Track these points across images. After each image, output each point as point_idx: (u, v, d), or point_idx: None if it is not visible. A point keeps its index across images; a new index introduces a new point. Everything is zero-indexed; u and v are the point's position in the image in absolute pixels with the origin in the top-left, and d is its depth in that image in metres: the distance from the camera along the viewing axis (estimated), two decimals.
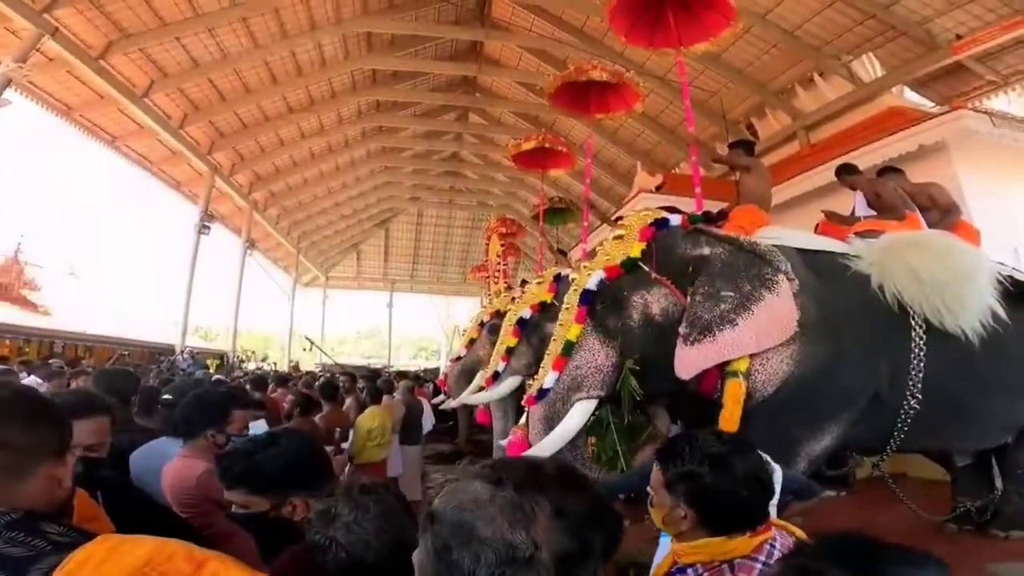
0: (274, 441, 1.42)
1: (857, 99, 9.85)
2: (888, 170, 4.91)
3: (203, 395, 2.09)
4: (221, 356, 16.27)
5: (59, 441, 0.92)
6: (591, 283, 3.01)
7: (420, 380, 10.15)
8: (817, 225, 4.73)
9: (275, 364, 19.73)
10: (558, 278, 5.04)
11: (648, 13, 5.40)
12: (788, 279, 2.78)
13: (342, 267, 27.15)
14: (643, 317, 2.93)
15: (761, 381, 2.76)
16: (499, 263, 9.57)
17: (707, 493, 1.27)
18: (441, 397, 6.95)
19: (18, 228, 32.22)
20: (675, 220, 3.15)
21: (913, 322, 2.98)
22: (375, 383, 5.75)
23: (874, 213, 4.41)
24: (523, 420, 3.21)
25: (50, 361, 8.18)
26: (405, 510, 1.12)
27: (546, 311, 4.87)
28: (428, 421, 6.81)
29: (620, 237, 3.15)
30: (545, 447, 2.78)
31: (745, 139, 4.90)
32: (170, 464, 1.97)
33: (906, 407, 2.99)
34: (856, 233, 3.63)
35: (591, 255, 3.52)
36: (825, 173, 8.06)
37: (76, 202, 56.00)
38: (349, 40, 13.37)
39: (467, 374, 6.46)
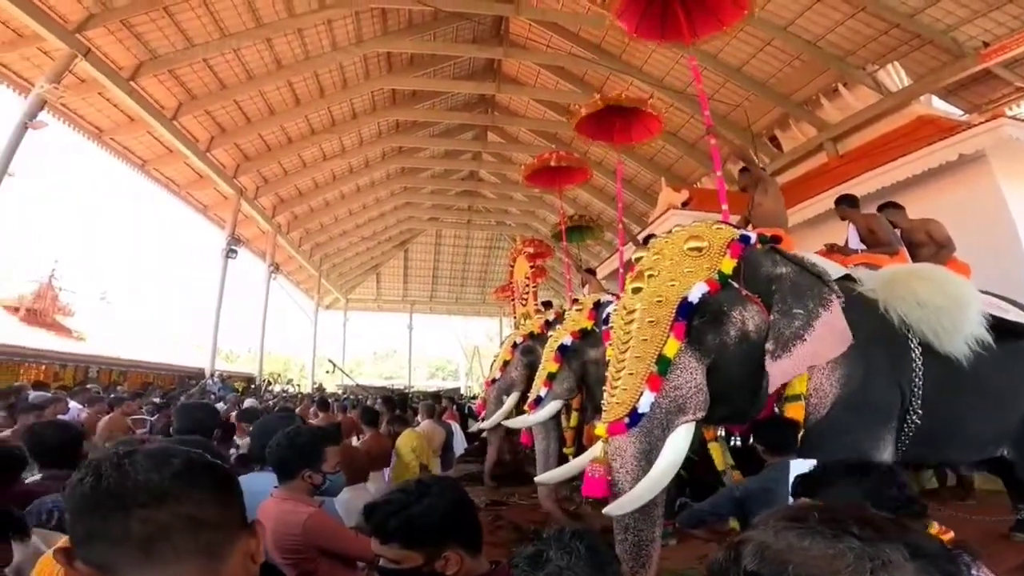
0: (426, 491, 1.36)
1: (884, 109, 9.75)
2: (888, 205, 5.07)
3: (296, 435, 2.04)
4: (249, 379, 16.34)
5: (244, 510, 0.83)
6: (694, 296, 2.78)
7: (453, 402, 10.05)
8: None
9: (299, 386, 19.77)
10: (598, 304, 5.07)
11: (654, 7, 5.37)
12: (838, 299, 2.97)
13: (362, 289, 27.27)
14: (740, 334, 2.84)
15: (814, 404, 2.97)
16: (527, 284, 9.52)
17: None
18: (480, 424, 6.89)
19: (51, 253, 33.00)
20: (754, 237, 3.13)
21: (912, 344, 3.17)
22: (403, 408, 5.74)
23: (864, 247, 4.66)
24: (597, 451, 2.81)
25: (88, 387, 8.28)
26: (615, 557, 1.08)
27: (586, 337, 4.94)
28: (460, 445, 6.74)
29: (697, 249, 2.99)
30: (654, 480, 2.54)
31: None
32: (267, 505, 1.92)
33: (908, 421, 3.16)
34: (855, 265, 3.87)
35: (633, 265, 3.33)
36: (858, 187, 8.00)
37: (105, 227, 57.43)
38: (370, 60, 13.60)
39: (503, 396, 6.45)
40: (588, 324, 4.90)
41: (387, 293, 27.67)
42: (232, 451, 3.61)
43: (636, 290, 2.97)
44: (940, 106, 9.81)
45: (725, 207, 4.61)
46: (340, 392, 16.91)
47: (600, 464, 2.65)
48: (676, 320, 2.73)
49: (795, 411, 2.93)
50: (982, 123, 7.20)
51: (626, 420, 2.62)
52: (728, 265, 2.90)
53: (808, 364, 2.87)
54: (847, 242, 4.88)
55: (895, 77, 9.83)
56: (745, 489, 2.51)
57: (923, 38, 9.07)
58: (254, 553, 0.79)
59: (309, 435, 2.08)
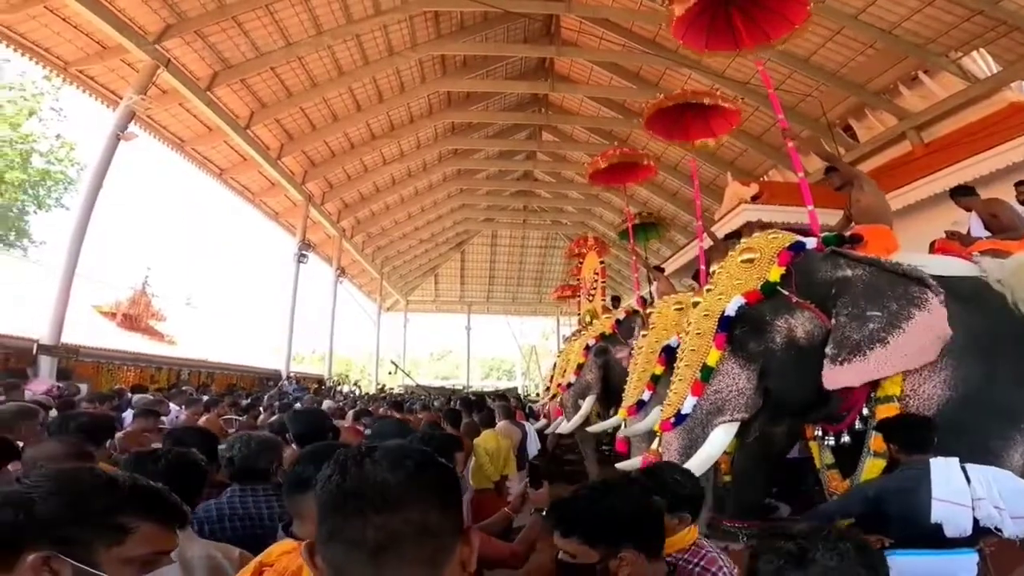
0: (610, 491, 1.42)
1: (972, 96, 9.24)
2: (1021, 183, 4.89)
3: (429, 439, 2.12)
4: (319, 381, 16.94)
5: (463, 515, 0.82)
6: (730, 309, 3.01)
7: (520, 402, 10.11)
8: (933, 243, 4.67)
9: (359, 387, 20.31)
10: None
11: (718, 21, 5.24)
12: (936, 295, 2.85)
13: (421, 291, 27.76)
14: (787, 340, 2.97)
15: (915, 406, 2.91)
16: (595, 280, 9.50)
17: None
18: (558, 428, 6.86)
19: (143, 261, 35.21)
20: (811, 243, 3.18)
21: None
22: (480, 409, 5.81)
23: (989, 234, 4.52)
24: (655, 444, 3.19)
25: (183, 388, 8.78)
26: (883, 558, 1.06)
27: None
28: (533, 446, 6.76)
29: (750, 261, 3.16)
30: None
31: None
32: None
33: None
34: (981, 252, 3.78)
35: (709, 277, 3.47)
36: (952, 177, 7.61)
37: (189, 234, 61.03)
38: (425, 64, 13.80)
39: (579, 399, 6.43)
40: None
41: (445, 294, 28.07)
42: None
43: (695, 304, 3.35)
44: None
45: (811, 208, 4.44)
46: (403, 393, 17.30)
47: (653, 455, 3.07)
48: (717, 332, 3.00)
49: (887, 413, 2.90)
50: None
51: (672, 420, 2.99)
52: (775, 274, 3.03)
53: (894, 368, 2.85)
54: (969, 231, 4.72)
55: (981, 64, 9.31)
56: (880, 489, 2.48)
57: (1009, 24, 8.49)
58: (467, 561, 0.78)
59: (441, 440, 2.16)
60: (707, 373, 2.96)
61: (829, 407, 3.09)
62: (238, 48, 10.67)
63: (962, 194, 4.97)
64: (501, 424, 5.47)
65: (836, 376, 2.85)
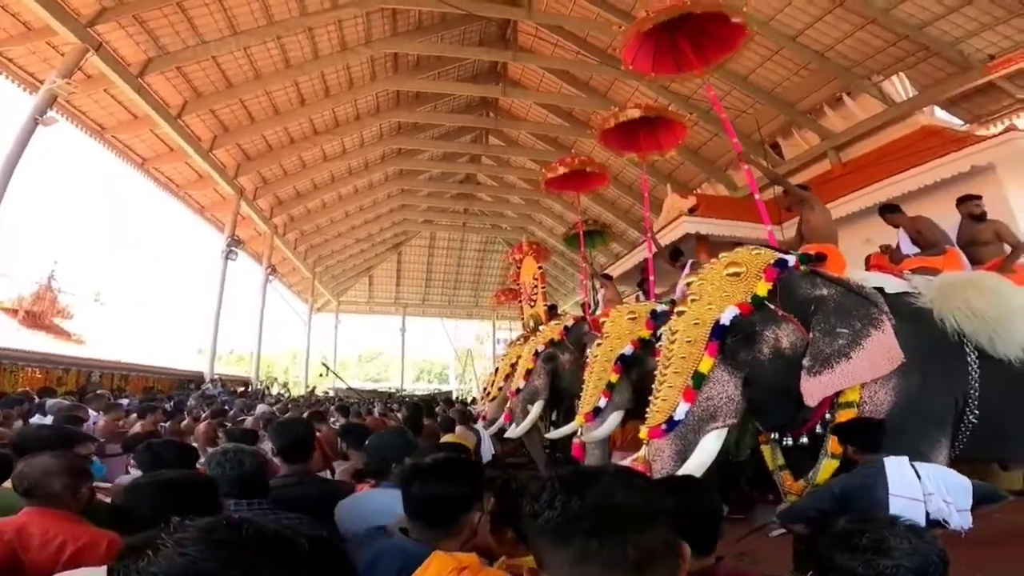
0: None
1: (888, 119, 9.96)
2: (968, 199, 5.14)
3: (443, 451, 2.03)
4: (244, 383, 16.04)
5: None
6: (725, 318, 3.11)
7: (466, 406, 9.97)
8: (868, 257, 4.98)
9: (290, 390, 19.47)
10: (654, 314, 5.00)
11: (663, 45, 5.56)
12: (888, 319, 3.15)
13: (354, 291, 27.02)
14: (773, 351, 3.15)
15: (869, 411, 3.15)
16: (535, 285, 9.54)
17: None
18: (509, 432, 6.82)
19: (49, 253, 32.13)
20: (791, 260, 3.38)
21: (967, 350, 3.33)
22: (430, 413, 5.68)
23: (917, 249, 4.87)
24: (641, 453, 3.23)
25: (99, 392, 8.06)
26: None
27: (645, 347, 4.88)
28: (488, 451, 6.69)
29: (735, 274, 3.31)
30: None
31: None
32: None
33: (966, 422, 3.34)
34: (911, 270, 4.12)
35: (687, 287, 3.56)
36: (868, 197, 8.17)
37: (99, 227, 56.38)
38: (376, 61, 13.53)
39: (527, 404, 6.38)
40: (646, 333, 4.81)
41: (379, 295, 27.44)
42: None
43: (680, 313, 3.36)
44: (942, 116, 10.04)
45: (770, 228, 4.62)
46: (332, 395, 16.71)
47: (640, 463, 3.11)
48: (710, 340, 3.09)
49: (847, 418, 3.10)
50: (996, 135, 7.38)
51: (663, 426, 3.03)
52: (763, 288, 3.20)
53: (854, 381, 3.09)
54: (899, 246, 5.10)
55: (899, 87, 10.03)
56: (844, 486, 2.62)
57: (930, 50, 9.24)
58: (683, 570, 0.81)
59: (457, 450, 2.07)
60: (699, 380, 3.04)
61: (804, 412, 3.28)
62: (178, 35, 10.10)
63: (889, 212, 5.33)
64: (459, 429, 5.37)
65: (811, 386, 3.06)
